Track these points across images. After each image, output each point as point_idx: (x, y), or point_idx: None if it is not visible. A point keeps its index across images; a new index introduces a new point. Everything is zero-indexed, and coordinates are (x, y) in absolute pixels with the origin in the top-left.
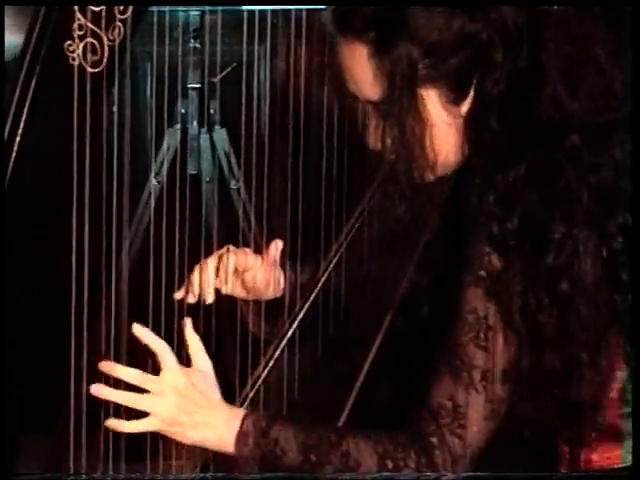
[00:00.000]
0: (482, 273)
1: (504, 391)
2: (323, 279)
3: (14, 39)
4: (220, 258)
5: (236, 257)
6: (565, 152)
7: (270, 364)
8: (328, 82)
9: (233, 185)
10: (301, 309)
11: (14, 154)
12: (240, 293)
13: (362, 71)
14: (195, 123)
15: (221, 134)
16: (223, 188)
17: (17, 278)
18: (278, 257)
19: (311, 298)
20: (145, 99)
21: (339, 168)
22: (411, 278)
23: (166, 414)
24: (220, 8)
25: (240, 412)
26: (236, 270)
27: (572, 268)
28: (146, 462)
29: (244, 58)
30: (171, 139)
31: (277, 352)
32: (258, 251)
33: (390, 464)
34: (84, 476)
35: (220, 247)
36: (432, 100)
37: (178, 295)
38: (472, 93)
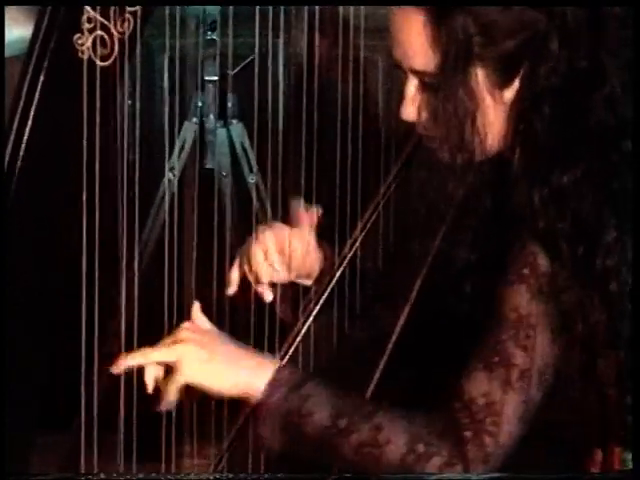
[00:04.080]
0: (526, 271)
1: (539, 394)
2: (348, 258)
3: (22, 32)
4: (259, 243)
5: (274, 235)
6: (622, 156)
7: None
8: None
9: (250, 180)
10: (324, 291)
11: (22, 150)
12: (286, 275)
13: (416, 39)
14: (212, 117)
15: (238, 128)
16: (240, 183)
17: (31, 276)
18: (314, 222)
19: (336, 277)
20: (161, 92)
21: (355, 159)
22: (437, 260)
23: (189, 356)
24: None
25: (275, 361)
26: (282, 250)
27: (620, 272)
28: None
29: (266, 50)
30: (187, 133)
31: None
32: None
33: (421, 448)
34: (82, 477)
35: (237, 242)
36: (479, 79)
37: (231, 290)
38: (518, 81)
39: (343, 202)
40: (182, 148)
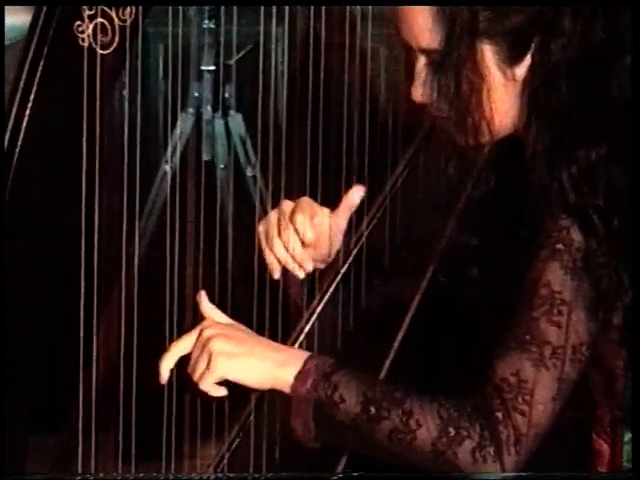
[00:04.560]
0: (559, 246)
1: (574, 371)
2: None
3: (21, 19)
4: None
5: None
6: None
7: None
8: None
9: (249, 172)
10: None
11: (21, 140)
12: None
13: (421, 17)
14: (209, 107)
15: (236, 119)
16: (238, 175)
17: (25, 271)
18: (357, 203)
19: (350, 259)
20: (157, 82)
21: (362, 148)
22: (454, 239)
23: (221, 352)
24: None
25: (303, 353)
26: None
27: None
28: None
29: (266, 38)
30: (184, 124)
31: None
32: None
33: (453, 432)
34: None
35: (236, 237)
36: (487, 56)
37: (278, 274)
38: (529, 57)
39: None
40: (179, 140)
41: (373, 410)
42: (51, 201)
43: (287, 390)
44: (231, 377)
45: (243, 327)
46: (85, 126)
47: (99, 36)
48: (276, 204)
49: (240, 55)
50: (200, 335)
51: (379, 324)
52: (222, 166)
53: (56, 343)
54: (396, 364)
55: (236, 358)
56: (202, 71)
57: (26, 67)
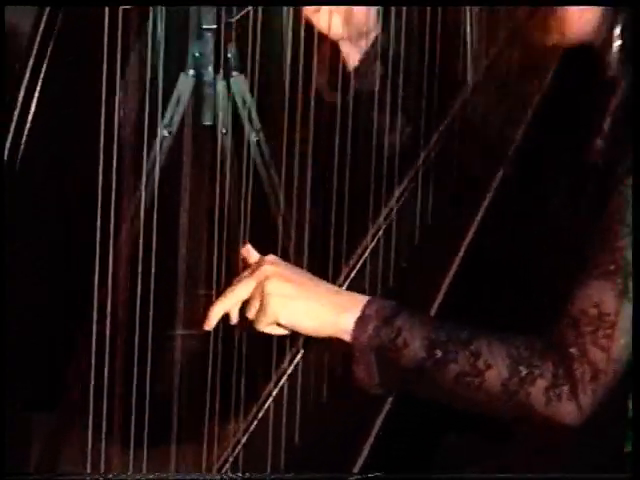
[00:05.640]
0: None
1: None
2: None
3: None
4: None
5: None
6: None
7: None
8: None
9: (253, 138)
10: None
11: (35, 100)
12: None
13: None
14: (210, 68)
15: (240, 81)
16: (242, 141)
17: (22, 250)
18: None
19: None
20: (155, 41)
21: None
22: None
23: (276, 293)
24: None
25: (362, 297)
26: None
27: None
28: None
29: None
30: (183, 86)
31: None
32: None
33: (524, 371)
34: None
35: (236, 204)
36: None
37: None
38: None
39: (379, 164)
40: (178, 102)
41: (439, 353)
42: (63, 166)
43: (347, 337)
44: (285, 321)
45: (302, 270)
46: (105, 83)
47: None
48: (285, 171)
49: (243, 12)
50: (257, 272)
51: (438, 250)
52: (224, 131)
53: (48, 317)
54: (456, 296)
55: (292, 301)
56: (203, 29)
57: (43, 22)
